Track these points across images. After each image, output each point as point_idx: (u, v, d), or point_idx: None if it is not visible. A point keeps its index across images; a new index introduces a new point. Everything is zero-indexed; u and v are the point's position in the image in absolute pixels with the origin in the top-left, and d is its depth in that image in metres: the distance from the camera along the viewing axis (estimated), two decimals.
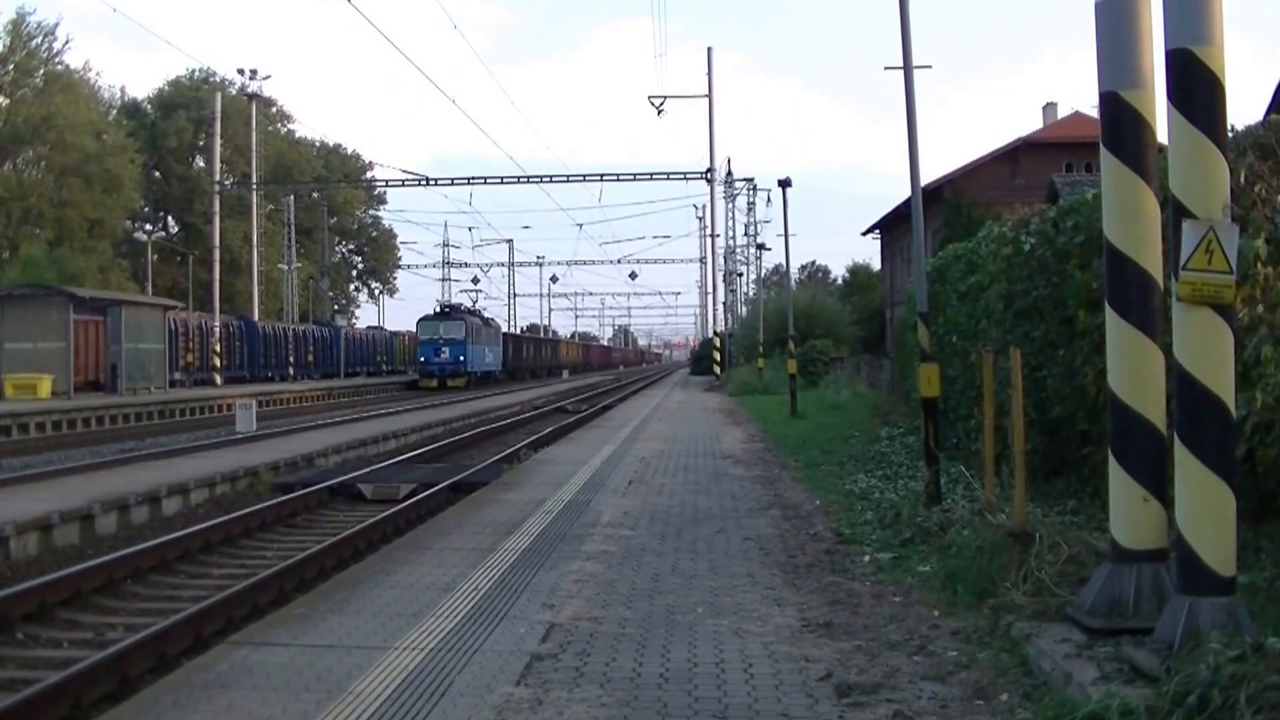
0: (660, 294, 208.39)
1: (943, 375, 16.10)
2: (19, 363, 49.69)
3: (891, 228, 64.48)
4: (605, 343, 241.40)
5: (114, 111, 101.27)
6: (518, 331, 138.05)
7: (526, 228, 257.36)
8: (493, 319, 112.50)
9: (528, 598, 10.85)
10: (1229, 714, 6.26)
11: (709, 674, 8.32)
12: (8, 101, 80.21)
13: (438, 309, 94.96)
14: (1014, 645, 8.62)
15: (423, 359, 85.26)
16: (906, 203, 18.68)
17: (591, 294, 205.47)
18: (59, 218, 79.80)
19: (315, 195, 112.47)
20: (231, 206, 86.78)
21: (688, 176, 76.41)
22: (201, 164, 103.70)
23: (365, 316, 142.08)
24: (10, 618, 13.05)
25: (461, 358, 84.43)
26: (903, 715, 7.39)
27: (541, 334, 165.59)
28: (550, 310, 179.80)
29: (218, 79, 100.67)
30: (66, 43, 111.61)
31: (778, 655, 8.79)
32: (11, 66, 79.81)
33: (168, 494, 22.00)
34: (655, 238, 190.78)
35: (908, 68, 16.17)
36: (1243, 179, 9.41)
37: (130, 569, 15.86)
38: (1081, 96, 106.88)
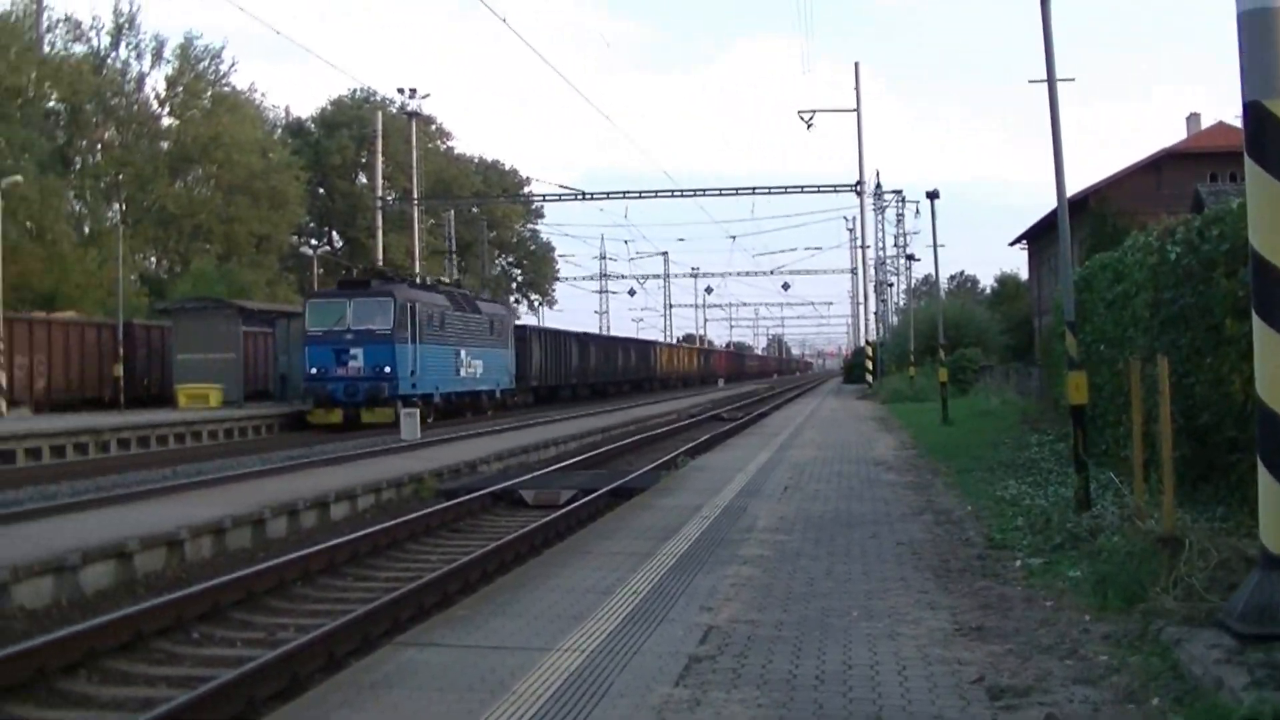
0: (813, 304, 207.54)
1: (1090, 383, 16.05)
2: (191, 373, 51.20)
3: (1038, 238, 64.06)
4: (760, 351, 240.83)
5: (279, 130, 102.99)
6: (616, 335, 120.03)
7: (681, 240, 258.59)
8: (500, 302, 76.75)
9: (685, 601, 11.02)
10: None
11: (863, 676, 8.41)
12: (177, 122, 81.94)
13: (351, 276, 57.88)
14: (1164, 650, 8.60)
15: (313, 370, 47.56)
16: (1053, 213, 18.65)
17: (745, 304, 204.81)
18: (227, 233, 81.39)
19: (475, 210, 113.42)
20: (393, 221, 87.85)
21: (837, 189, 76.12)
22: (363, 180, 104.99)
23: None
24: (185, 618, 13.52)
25: (388, 369, 47.32)
26: (1054, 718, 7.43)
27: (699, 343, 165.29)
28: (706, 321, 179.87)
29: (378, 98, 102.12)
30: (232, 65, 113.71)
31: (931, 658, 8.86)
32: (180, 89, 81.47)
33: (335, 499, 22.59)
34: (807, 249, 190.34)
35: (1051, 80, 16.16)
36: None
37: (300, 571, 16.35)
38: (1226, 107, 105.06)
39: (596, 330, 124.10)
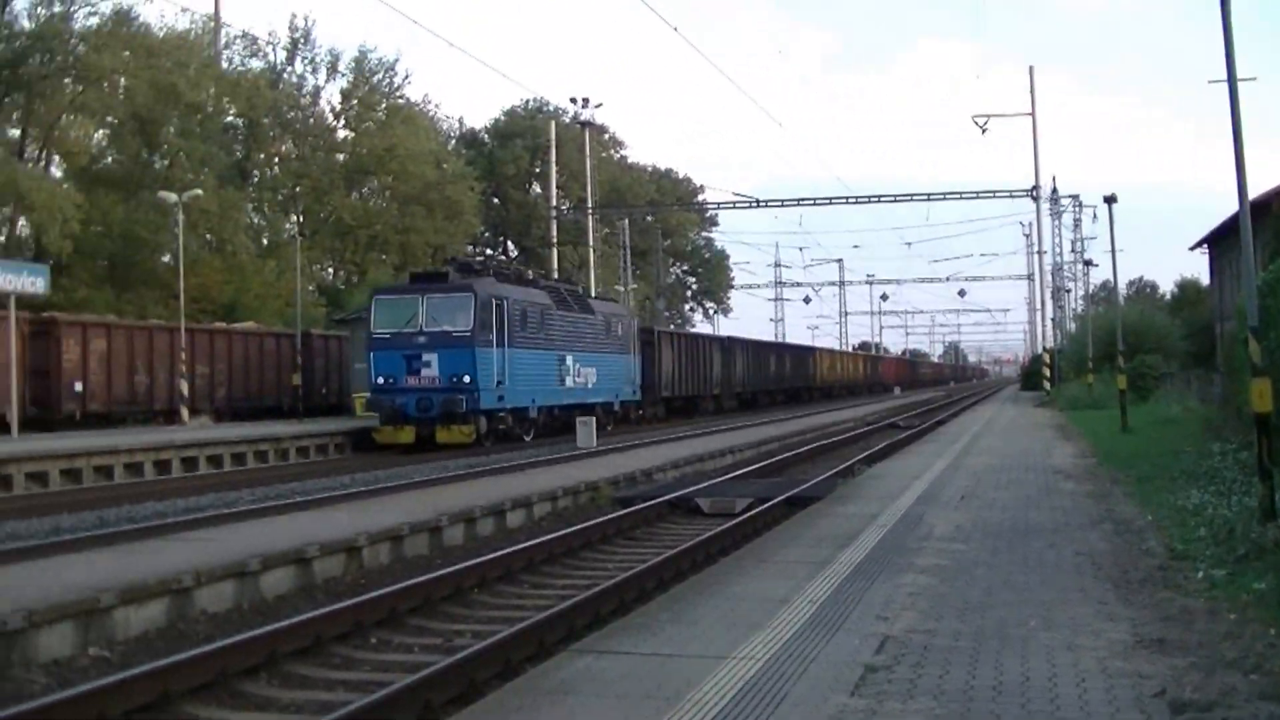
0: (989, 310, 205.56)
1: (1275, 390, 15.76)
2: (367, 381, 51.90)
3: (1220, 241, 62.61)
4: (936, 359, 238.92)
5: (453, 141, 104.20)
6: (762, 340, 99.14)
7: (856, 247, 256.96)
8: (614, 301, 70.96)
9: (861, 610, 10.97)
10: None
11: (1042, 687, 8.30)
12: (353, 135, 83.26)
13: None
14: None
15: (379, 379, 41.55)
16: (1234, 216, 18.28)
17: (922, 311, 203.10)
18: (403, 244, 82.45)
19: (649, 218, 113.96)
20: (568, 230, 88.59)
21: (1013, 194, 75.43)
22: (538, 190, 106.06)
23: None
24: (364, 623, 13.74)
25: (467, 377, 40.63)
26: None
27: (874, 350, 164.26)
28: (881, 328, 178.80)
29: (551, 108, 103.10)
30: (406, 77, 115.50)
31: (1110, 670, 8.72)
32: (355, 102, 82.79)
33: (512, 507, 22.77)
34: (982, 255, 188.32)
35: (1231, 80, 15.85)
36: None
37: (477, 578, 16.51)
38: None
39: (774, 338, 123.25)
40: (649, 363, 60.62)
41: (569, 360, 48.99)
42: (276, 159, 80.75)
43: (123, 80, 64.17)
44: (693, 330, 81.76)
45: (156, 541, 17.80)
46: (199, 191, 55.95)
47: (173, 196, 51.32)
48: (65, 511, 23.54)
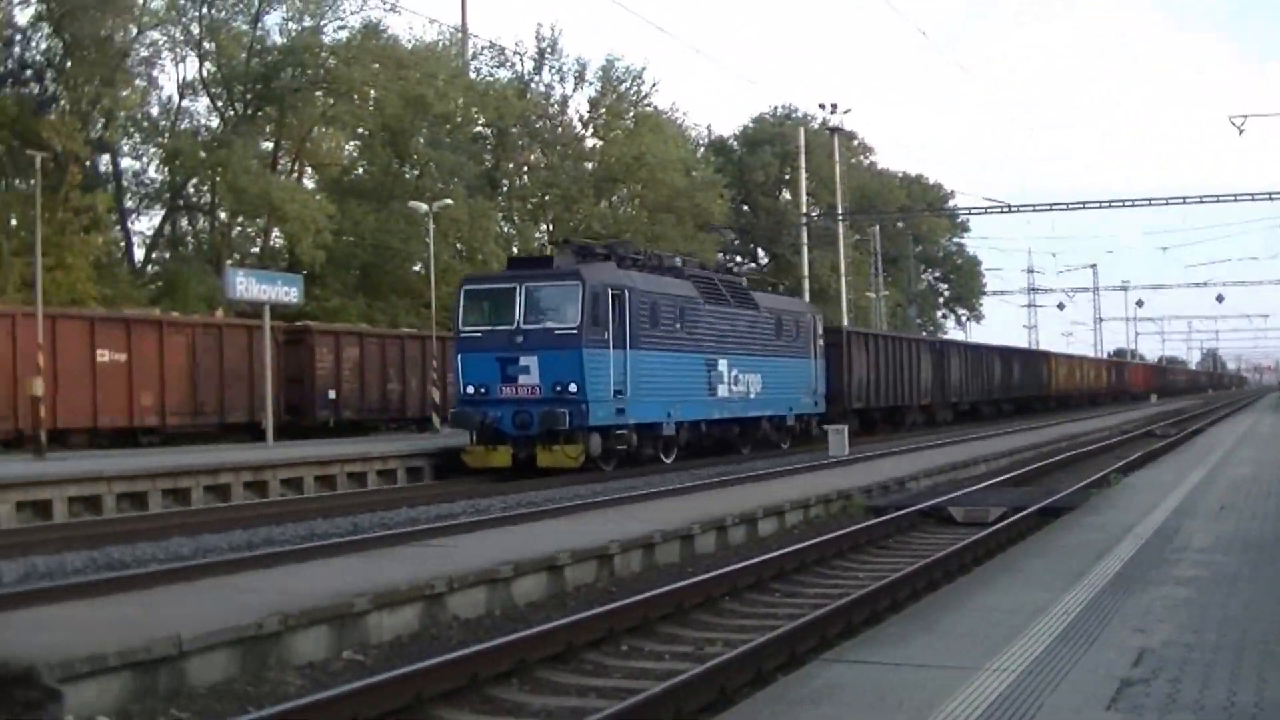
0: (1248, 317, 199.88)
1: None
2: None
3: None
4: (1193, 366, 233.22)
5: (701, 149, 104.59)
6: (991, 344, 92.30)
7: (1110, 252, 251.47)
8: (785, 293, 59.69)
9: (1118, 622, 10.79)
10: None
11: None
12: (601, 143, 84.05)
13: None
14: None
15: (469, 388, 35.15)
16: None
17: (1178, 317, 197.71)
18: (653, 251, 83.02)
19: (899, 225, 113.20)
20: (818, 237, 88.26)
21: (1272, 196, 73.08)
22: (787, 197, 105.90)
23: None
24: (615, 630, 13.86)
25: (572, 386, 33.80)
26: None
27: (1128, 358, 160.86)
28: (1137, 335, 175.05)
29: (799, 114, 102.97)
30: (654, 85, 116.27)
31: None
32: (603, 110, 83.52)
33: (764, 515, 22.85)
34: (1240, 260, 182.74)
35: None
36: None
37: (728, 586, 16.57)
38: None
39: (1026, 345, 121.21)
40: (836, 368, 51.95)
41: (722, 365, 41.22)
42: (525, 168, 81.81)
43: (372, 92, 65.87)
44: (890, 333, 73.85)
45: (409, 547, 18.27)
46: (449, 201, 56.94)
47: (423, 206, 52.16)
48: (319, 517, 24.22)
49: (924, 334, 75.41)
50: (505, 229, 78.57)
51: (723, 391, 41.13)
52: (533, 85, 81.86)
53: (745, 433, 43.21)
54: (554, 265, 36.05)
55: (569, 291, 34.11)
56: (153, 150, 67.72)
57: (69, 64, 58.02)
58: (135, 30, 60.32)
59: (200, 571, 16.15)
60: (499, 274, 39.91)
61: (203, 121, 68.02)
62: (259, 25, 64.67)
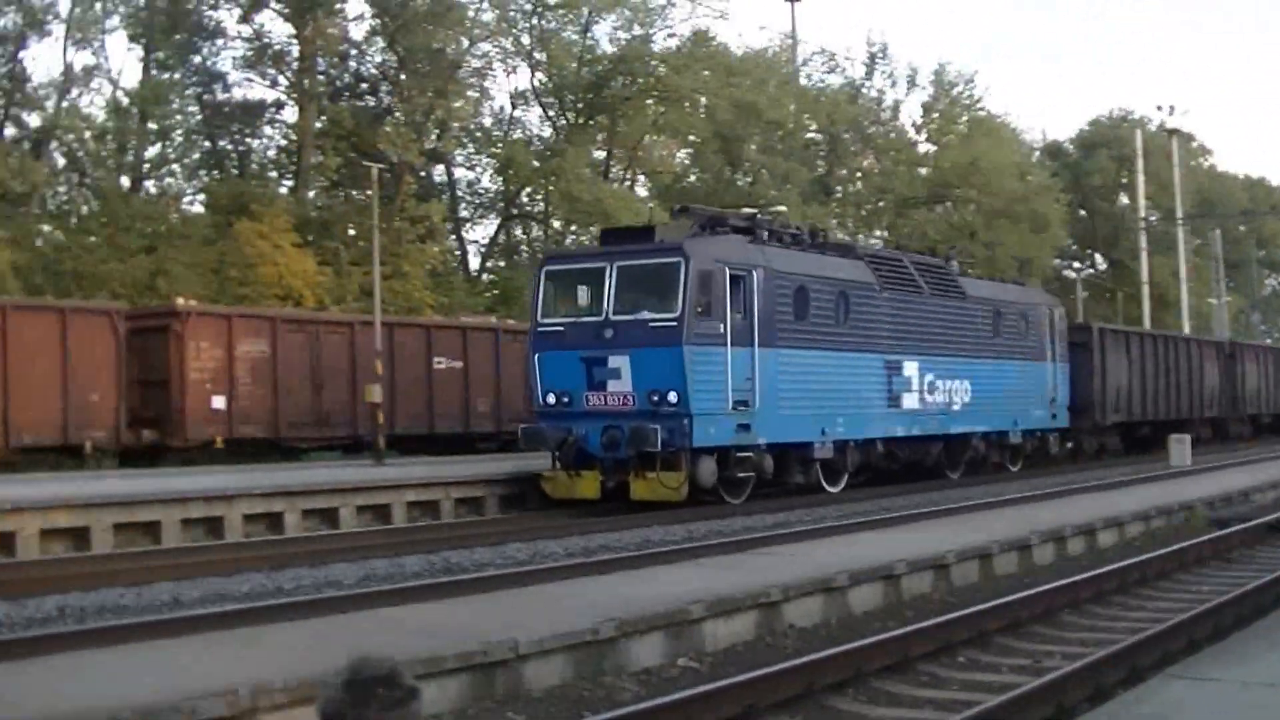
0: None
1: None
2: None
3: None
4: None
5: (1036, 153, 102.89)
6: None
7: None
8: (1024, 289, 44.78)
9: None
10: None
11: None
12: (934, 149, 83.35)
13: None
14: None
15: (548, 397, 27.40)
16: None
17: None
18: (989, 258, 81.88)
19: (1242, 229, 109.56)
20: (1157, 241, 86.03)
21: None
22: (1125, 201, 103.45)
23: None
24: (952, 641, 13.70)
25: (672, 395, 25.67)
26: None
27: None
28: None
29: (1136, 116, 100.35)
30: (987, 89, 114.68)
31: None
32: (936, 115, 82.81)
33: (1103, 526, 22.43)
34: None
35: None
36: None
37: (1068, 598, 16.26)
38: None
39: None
40: (1084, 373, 42.54)
41: (910, 368, 32.86)
42: (859, 174, 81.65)
43: (703, 100, 66.34)
44: (1164, 332, 59.99)
45: (743, 555, 18.38)
46: (783, 208, 56.93)
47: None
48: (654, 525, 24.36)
49: (1208, 337, 62.01)
50: (840, 236, 78.60)
51: (911, 402, 32.90)
52: (864, 91, 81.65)
53: (949, 453, 35.28)
54: (655, 238, 27.99)
55: (669, 270, 26.52)
56: (486, 160, 69.75)
57: (403, 76, 60.05)
58: (467, 42, 61.84)
59: (535, 577, 16.55)
60: (588, 250, 33.79)
61: (535, 131, 69.55)
62: (589, 35, 65.68)
